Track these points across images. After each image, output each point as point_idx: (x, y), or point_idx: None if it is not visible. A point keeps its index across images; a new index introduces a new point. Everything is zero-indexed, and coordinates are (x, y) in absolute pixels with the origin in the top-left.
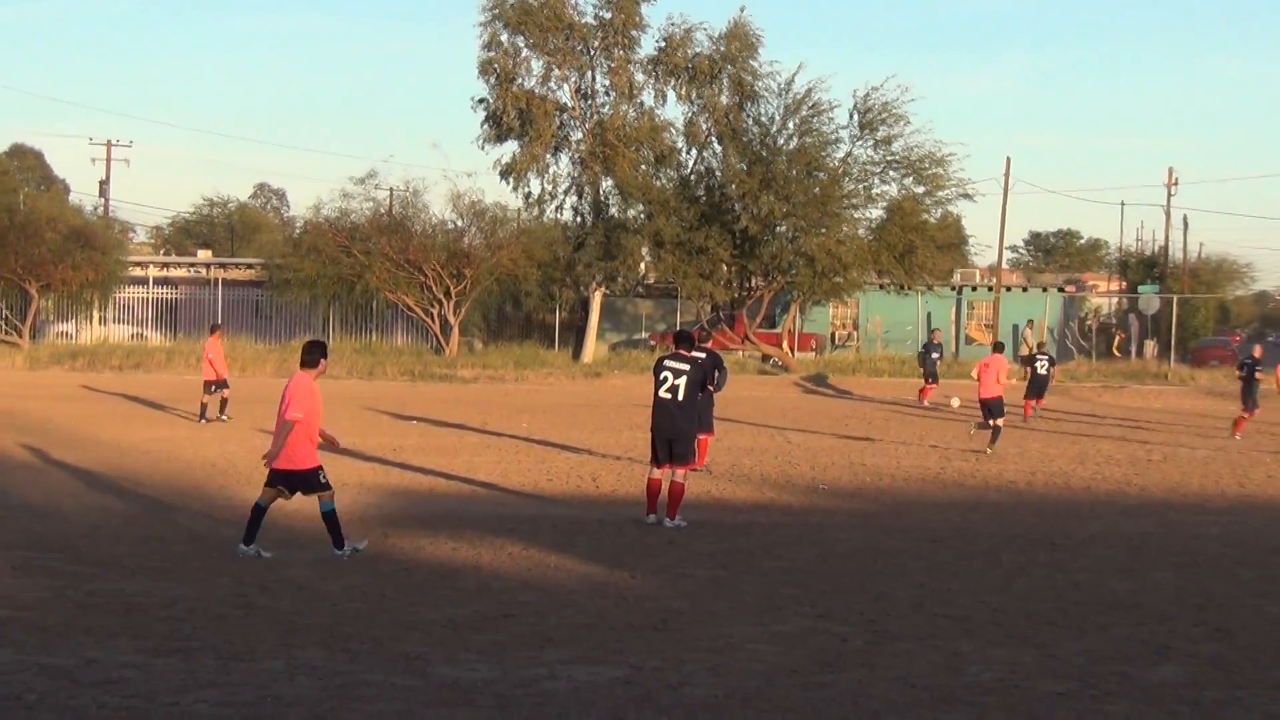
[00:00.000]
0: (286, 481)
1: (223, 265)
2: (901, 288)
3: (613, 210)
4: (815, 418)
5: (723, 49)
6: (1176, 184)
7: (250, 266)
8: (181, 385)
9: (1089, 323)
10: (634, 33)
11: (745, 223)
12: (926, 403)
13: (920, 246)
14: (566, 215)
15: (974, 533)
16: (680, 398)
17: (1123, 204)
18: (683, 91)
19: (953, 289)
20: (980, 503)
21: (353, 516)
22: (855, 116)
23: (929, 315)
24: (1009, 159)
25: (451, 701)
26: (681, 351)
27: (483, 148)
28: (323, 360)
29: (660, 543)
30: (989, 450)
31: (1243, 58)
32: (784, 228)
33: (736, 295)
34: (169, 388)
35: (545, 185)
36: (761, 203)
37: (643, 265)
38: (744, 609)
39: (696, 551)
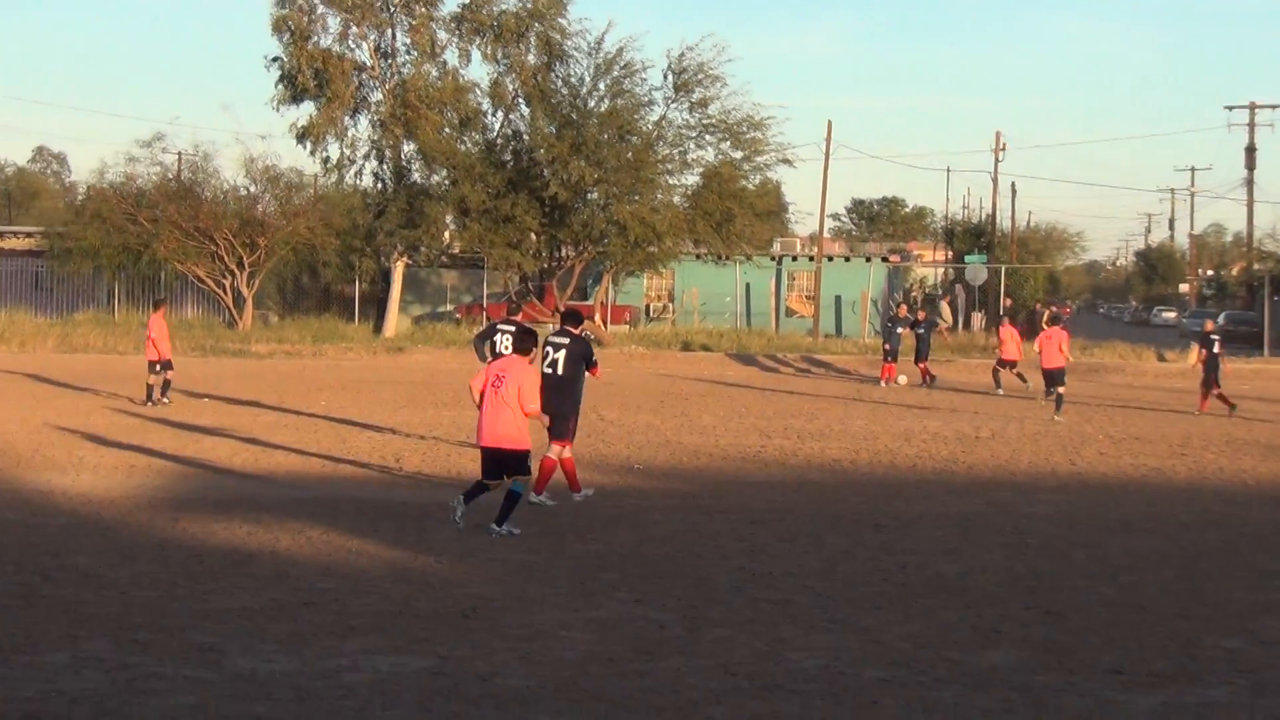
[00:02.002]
0: (495, 459)
1: None
2: (719, 258)
3: (415, 176)
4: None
5: (530, 6)
6: (1004, 149)
7: (29, 235)
8: None
9: (913, 293)
10: None
11: (555, 189)
12: (887, 383)
13: (738, 214)
14: (366, 181)
15: (796, 514)
16: (560, 372)
17: (949, 170)
18: (488, 50)
19: (772, 259)
20: (802, 482)
21: (140, 500)
22: (669, 77)
23: (748, 286)
24: (830, 123)
25: (247, 694)
26: (568, 328)
27: (277, 109)
28: (534, 348)
29: (467, 526)
30: (1056, 419)
31: (1070, 17)
32: (595, 194)
33: (546, 266)
34: None
35: (344, 149)
36: (571, 168)
37: (447, 234)
38: (557, 595)
39: (506, 534)
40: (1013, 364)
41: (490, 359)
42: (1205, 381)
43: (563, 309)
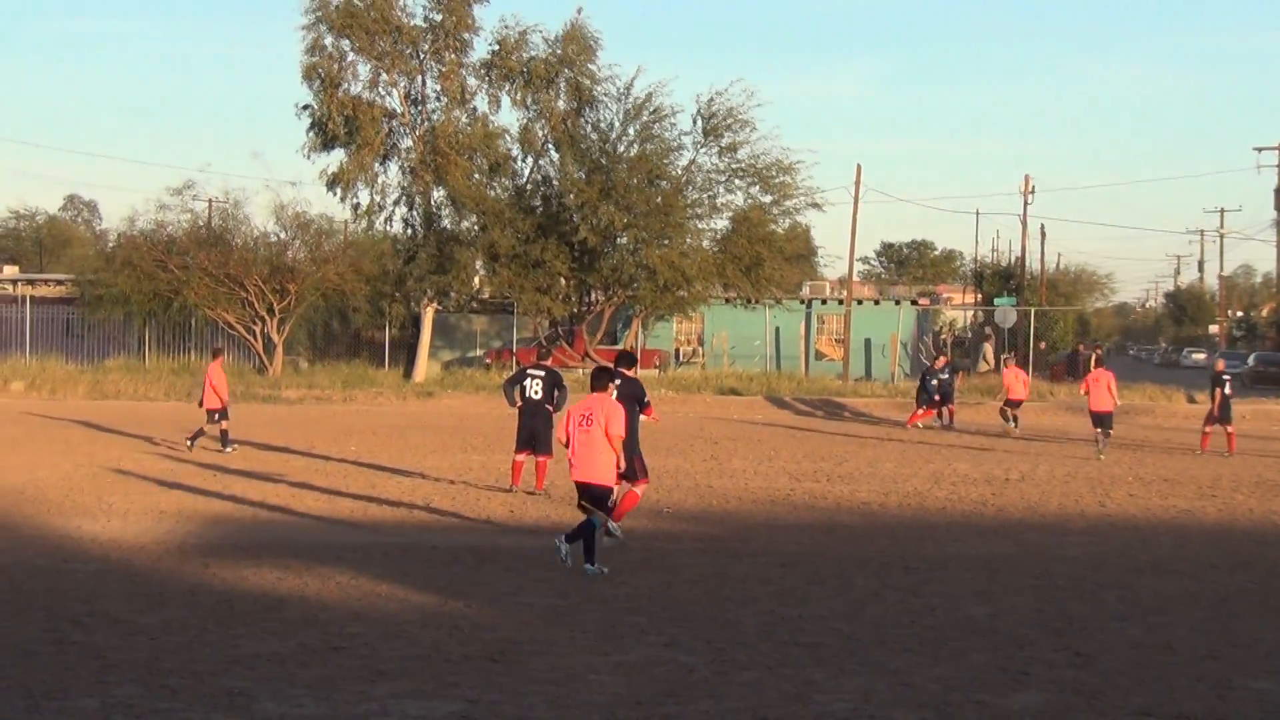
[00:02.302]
0: (584, 491)
1: (30, 282)
2: (748, 301)
3: (445, 222)
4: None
5: (559, 52)
6: (1034, 192)
7: (60, 283)
8: None
9: (943, 336)
10: (466, 35)
11: (584, 234)
12: (910, 426)
13: (768, 258)
14: (396, 227)
15: (825, 556)
16: None
17: (978, 212)
18: (518, 96)
19: (802, 302)
20: (832, 525)
21: (170, 546)
22: (699, 122)
23: (777, 329)
24: (859, 166)
25: None
26: (621, 370)
27: (308, 156)
28: (611, 384)
29: (497, 570)
30: (1100, 457)
31: (1098, 60)
32: (625, 239)
33: (576, 310)
34: None
35: (374, 195)
36: (601, 213)
37: (477, 279)
38: (585, 638)
39: (535, 579)
40: (1018, 403)
41: (519, 403)
42: (1221, 419)
43: (590, 351)
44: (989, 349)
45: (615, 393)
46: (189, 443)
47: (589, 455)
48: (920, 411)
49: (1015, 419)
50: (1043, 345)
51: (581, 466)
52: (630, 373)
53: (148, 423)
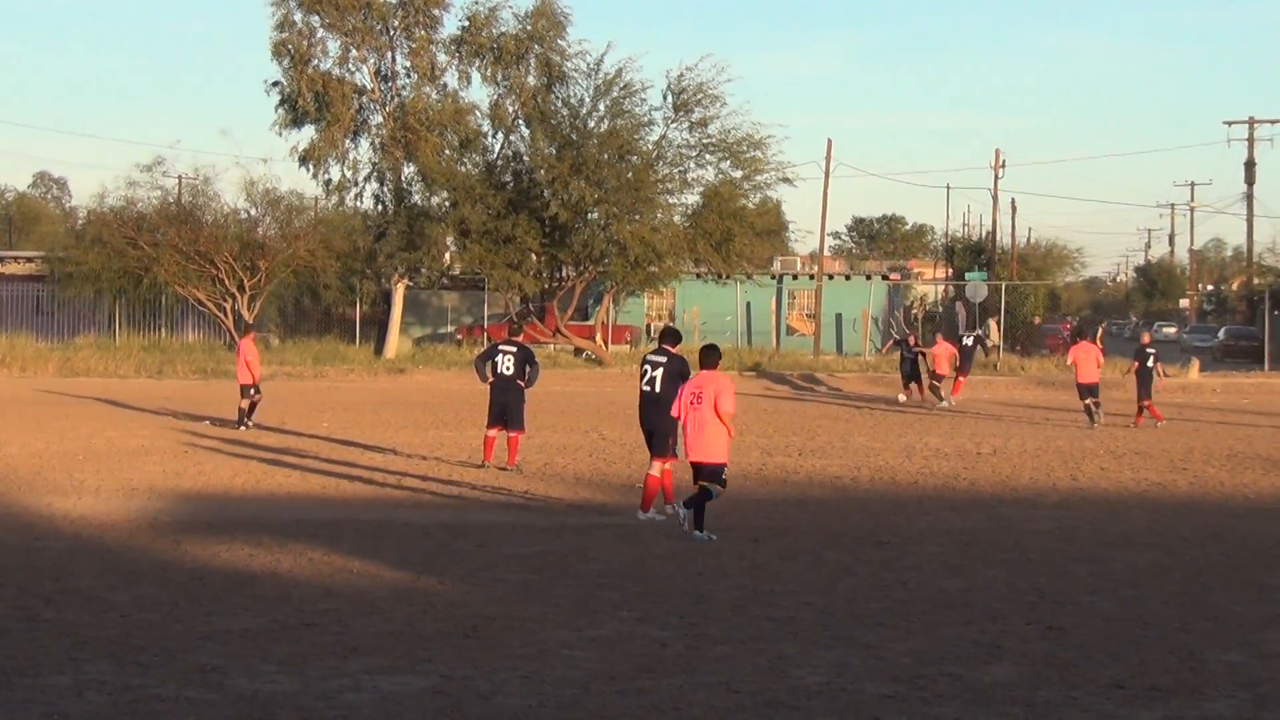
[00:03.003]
0: (697, 470)
1: None
2: (719, 277)
3: (415, 198)
4: None
5: (529, 28)
6: (1004, 166)
7: (30, 260)
8: None
9: (914, 311)
10: (436, 11)
11: (555, 210)
12: (901, 398)
13: (738, 233)
14: (367, 203)
15: (797, 531)
16: (658, 390)
17: (949, 187)
18: (488, 73)
19: (773, 278)
20: (804, 500)
21: (141, 523)
22: (669, 98)
23: (748, 305)
24: (830, 141)
25: (250, 716)
26: (665, 346)
27: (279, 133)
28: (720, 358)
29: (469, 547)
30: (1097, 424)
31: (1070, 33)
32: (596, 215)
33: (547, 286)
34: None
35: (345, 172)
36: (572, 188)
37: (448, 255)
38: (559, 614)
39: (508, 554)
40: (941, 378)
41: (491, 379)
42: (1140, 394)
43: (561, 327)
44: (993, 324)
45: (662, 370)
46: (244, 425)
47: (698, 433)
48: (960, 380)
49: (937, 391)
50: (1037, 320)
51: (693, 446)
52: (675, 349)
53: (119, 399)
